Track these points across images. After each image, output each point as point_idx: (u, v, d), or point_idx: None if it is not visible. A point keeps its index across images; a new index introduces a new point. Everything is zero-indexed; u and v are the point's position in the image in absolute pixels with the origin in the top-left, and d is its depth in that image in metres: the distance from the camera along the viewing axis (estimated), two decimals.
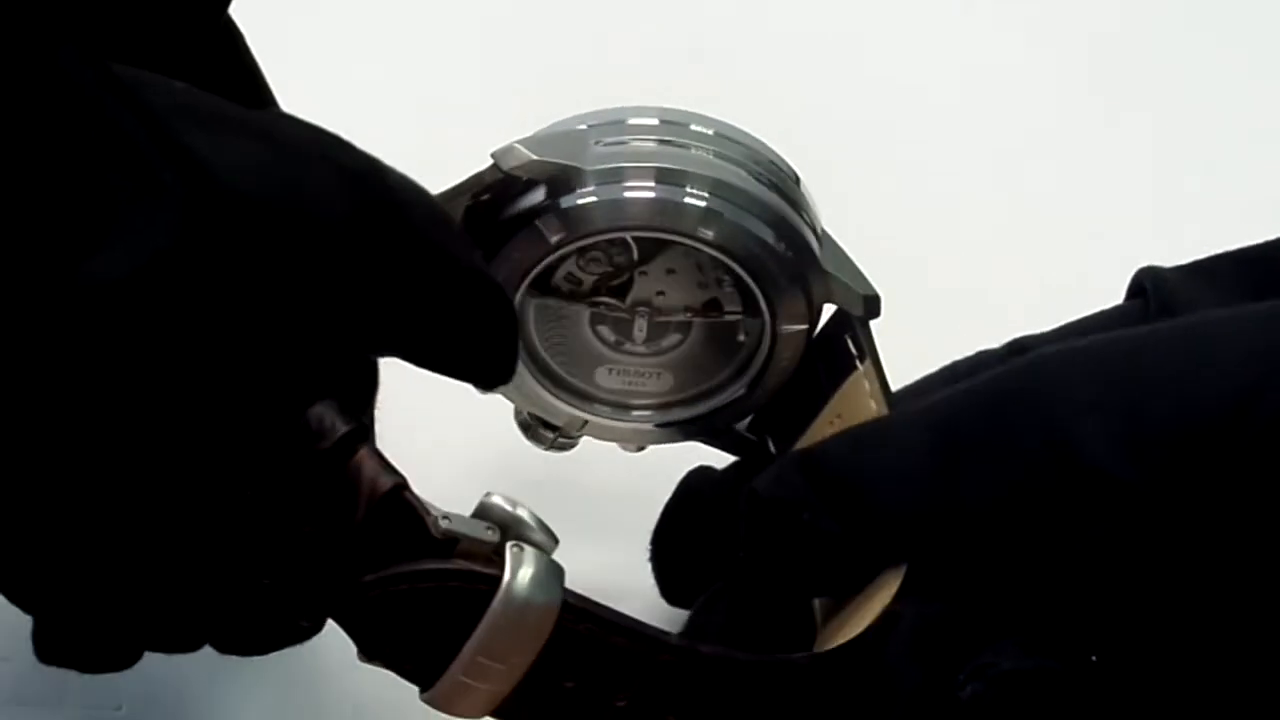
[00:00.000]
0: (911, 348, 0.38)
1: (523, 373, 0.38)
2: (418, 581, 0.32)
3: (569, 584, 0.33)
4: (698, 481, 0.40)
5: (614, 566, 0.41)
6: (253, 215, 0.29)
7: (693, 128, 0.36)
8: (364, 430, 0.32)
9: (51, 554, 0.31)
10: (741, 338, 0.38)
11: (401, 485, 0.32)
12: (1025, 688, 0.32)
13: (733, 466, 0.40)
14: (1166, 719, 0.33)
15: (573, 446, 0.40)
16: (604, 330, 0.38)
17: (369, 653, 0.33)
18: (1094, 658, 0.33)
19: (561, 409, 0.39)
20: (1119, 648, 0.33)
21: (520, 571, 0.32)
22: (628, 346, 0.38)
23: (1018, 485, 0.32)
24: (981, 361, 0.38)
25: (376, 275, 0.32)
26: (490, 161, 0.36)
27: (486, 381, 0.36)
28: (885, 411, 0.35)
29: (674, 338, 0.38)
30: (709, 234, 0.35)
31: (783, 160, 0.37)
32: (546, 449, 0.40)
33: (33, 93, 0.28)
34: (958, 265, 0.51)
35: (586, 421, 0.39)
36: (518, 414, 0.40)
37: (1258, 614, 0.31)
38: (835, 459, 0.34)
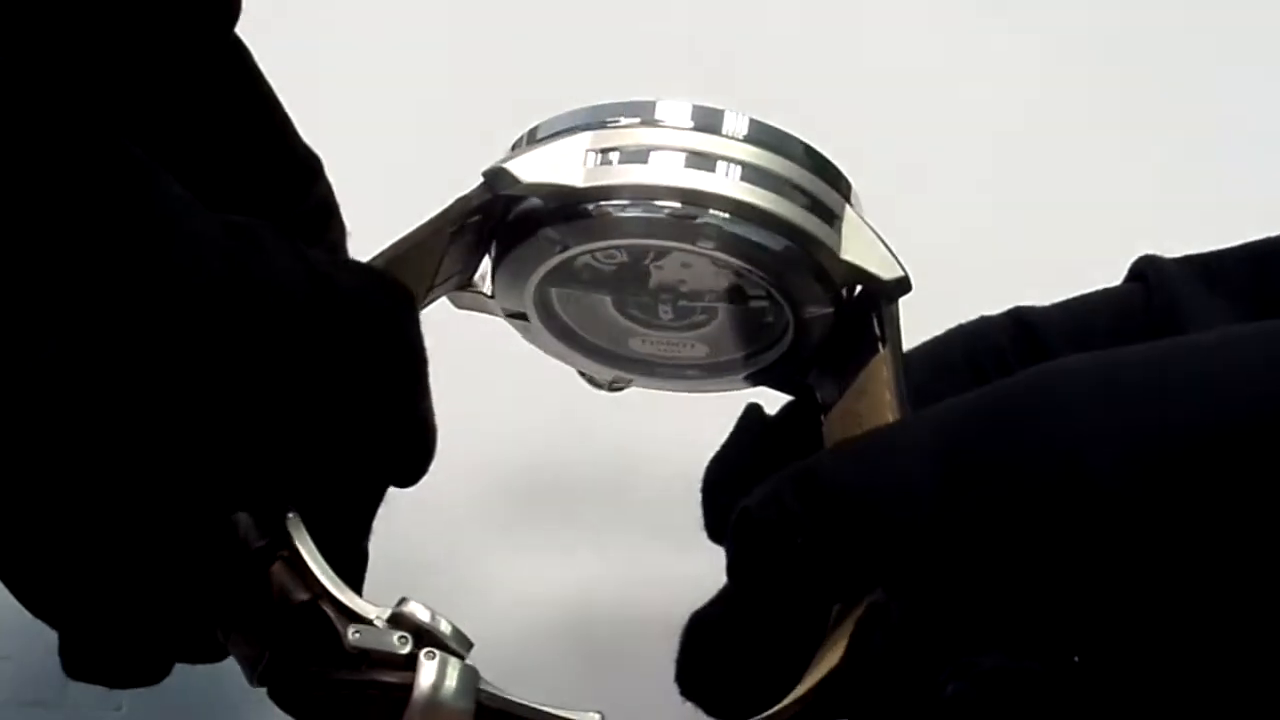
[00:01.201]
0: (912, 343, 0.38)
1: (558, 345, 0.38)
2: (334, 690, 0.33)
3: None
4: (752, 420, 0.39)
5: (619, 566, 0.41)
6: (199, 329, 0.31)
7: (685, 125, 0.36)
8: (280, 541, 0.33)
9: (51, 566, 0.33)
10: (770, 319, 0.38)
11: (316, 597, 0.33)
12: (1007, 687, 0.32)
13: (787, 407, 0.40)
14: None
15: (628, 387, 0.40)
16: (632, 312, 0.38)
17: None
18: (1076, 659, 0.32)
19: (603, 372, 0.39)
20: (1103, 650, 0.32)
21: (431, 680, 0.32)
22: (657, 324, 0.38)
23: (1026, 510, 0.31)
24: (983, 329, 0.38)
25: (310, 396, 0.33)
26: (479, 182, 0.36)
27: (395, 485, 0.36)
28: (896, 402, 0.35)
29: (701, 317, 0.38)
30: (709, 245, 0.35)
31: (797, 144, 0.36)
32: (604, 390, 0.40)
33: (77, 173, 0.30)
34: (958, 262, 0.51)
35: (632, 379, 0.39)
36: None
37: (1251, 623, 0.31)
38: (832, 479, 0.33)
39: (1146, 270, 0.38)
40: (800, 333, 0.37)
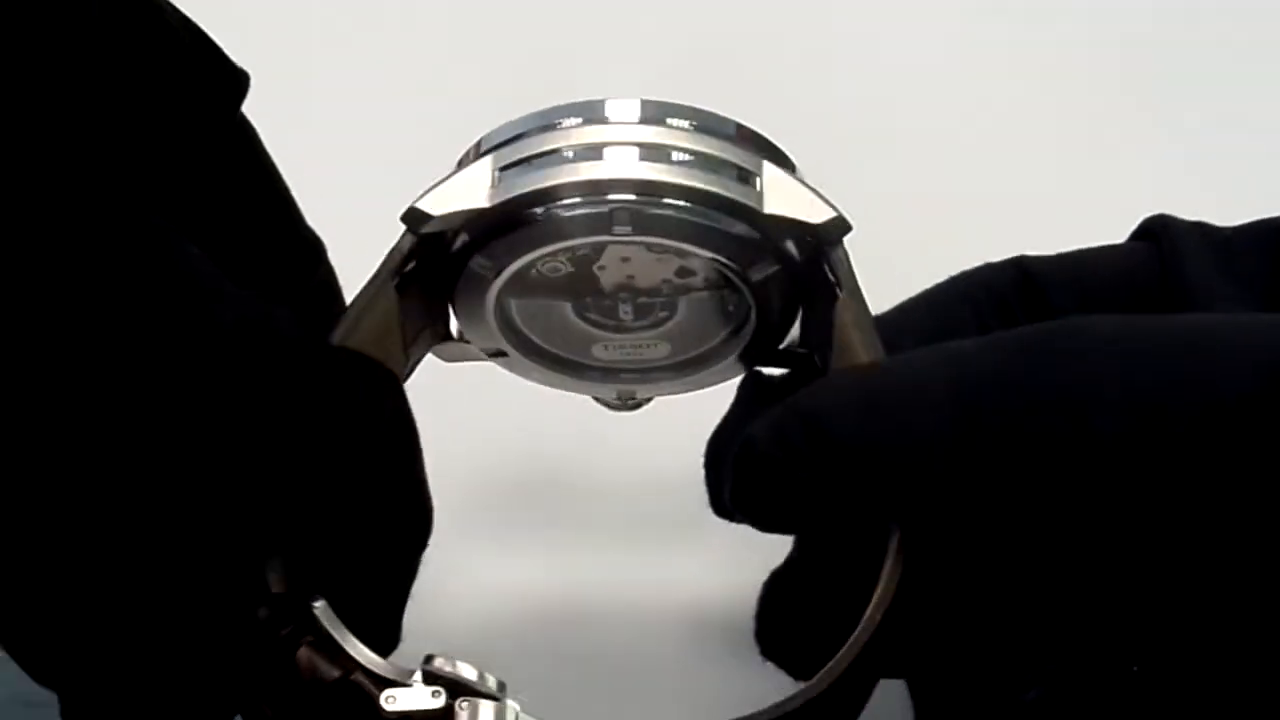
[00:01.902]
0: None
1: (549, 374, 0.38)
2: None
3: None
4: (753, 387, 0.39)
5: (618, 562, 0.41)
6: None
7: (598, 118, 0.35)
8: (305, 627, 0.34)
9: (64, 641, 0.34)
10: (730, 308, 0.37)
11: (347, 673, 0.34)
12: (1084, 693, 0.32)
13: (787, 375, 0.39)
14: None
15: (643, 404, 0.40)
16: (593, 316, 0.38)
17: None
18: (1135, 668, 0.33)
19: (604, 390, 0.39)
20: (1157, 659, 0.33)
21: None
22: (622, 327, 0.38)
23: (1033, 468, 0.31)
24: (986, 278, 0.38)
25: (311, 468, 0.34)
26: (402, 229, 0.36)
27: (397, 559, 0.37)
28: (867, 340, 0.35)
29: (663, 314, 0.38)
30: (627, 230, 0.35)
31: (699, 115, 0.36)
32: (621, 411, 0.40)
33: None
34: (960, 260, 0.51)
35: (635, 390, 0.39)
36: None
37: (1256, 600, 0.31)
38: (840, 421, 0.33)
39: (1156, 230, 0.38)
40: (760, 300, 0.37)
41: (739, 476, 0.34)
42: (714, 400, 0.40)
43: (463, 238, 0.36)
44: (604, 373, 0.39)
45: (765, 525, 0.35)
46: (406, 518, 0.37)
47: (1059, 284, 0.38)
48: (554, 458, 0.43)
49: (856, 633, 0.34)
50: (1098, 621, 0.32)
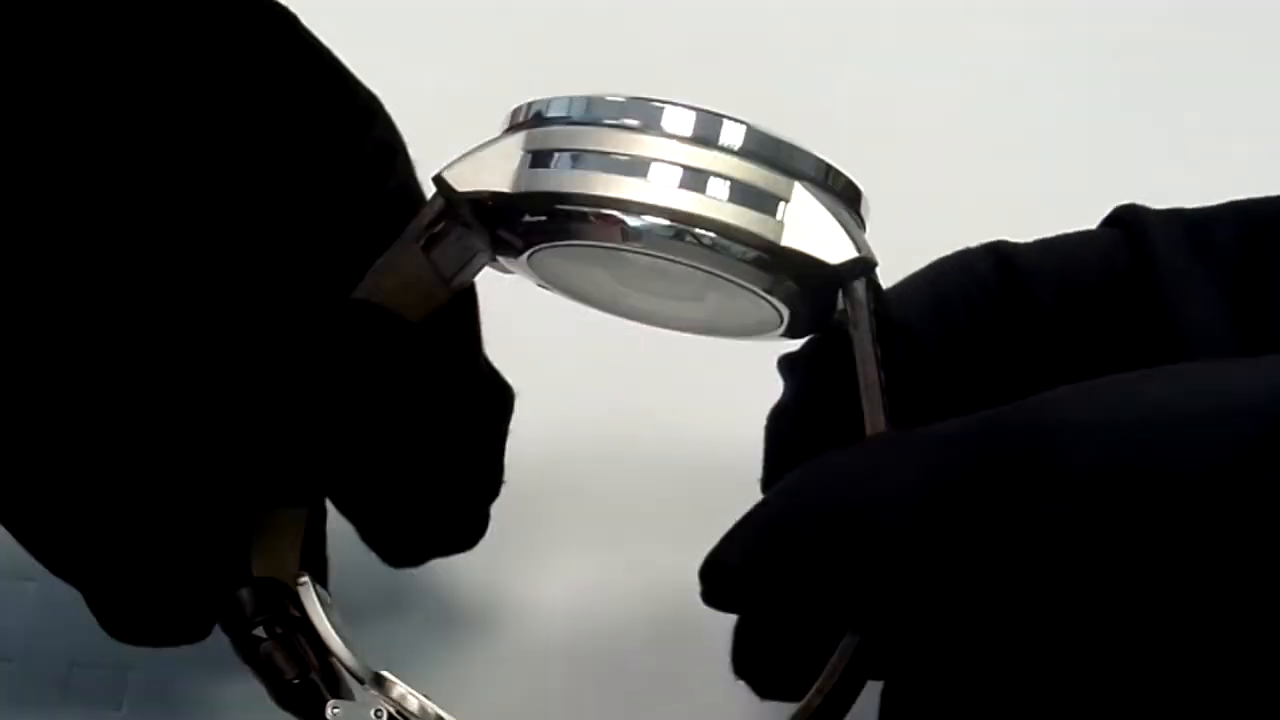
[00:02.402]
0: None
1: (586, 303, 0.38)
2: None
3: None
4: (807, 369, 0.39)
5: (615, 565, 0.41)
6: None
7: (647, 126, 0.34)
8: (275, 620, 0.35)
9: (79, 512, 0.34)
10: (759, 303, 0.36)
11: (305, 671, 0.35)
12: None
13: (812, 342, 0.38)
14: None
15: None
16: (628, 281, 0.37)
17: None
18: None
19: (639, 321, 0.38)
20: (1145, 688, 0.32)
21: None
22: (656, 295, 0.37)
23: (1010, 566, 0.31)
24: (969, 263, 0.38)
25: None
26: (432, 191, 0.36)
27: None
28: (865, 397, 0.34)
29: (694, 296, 0.36)
30: (638, 245, 0.34)
31: (736, 127, 0.34)
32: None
33: None
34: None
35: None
36: None
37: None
38: (806, 528, 0.33)
39: (1126, 218, 0.38)
40: (786, 302, 0.35)
41: (709, 588, 0.34)
42: (728, 401, 0.39)
43: (491, 203, 0.35)
44: (647, 314, 0.38)
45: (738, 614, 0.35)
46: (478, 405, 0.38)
47: (1041, 274, 0.37)
48: (564, 458, 0.43)
49: (823, 677, 0.34)
50: (1078, 670, 0.32)
